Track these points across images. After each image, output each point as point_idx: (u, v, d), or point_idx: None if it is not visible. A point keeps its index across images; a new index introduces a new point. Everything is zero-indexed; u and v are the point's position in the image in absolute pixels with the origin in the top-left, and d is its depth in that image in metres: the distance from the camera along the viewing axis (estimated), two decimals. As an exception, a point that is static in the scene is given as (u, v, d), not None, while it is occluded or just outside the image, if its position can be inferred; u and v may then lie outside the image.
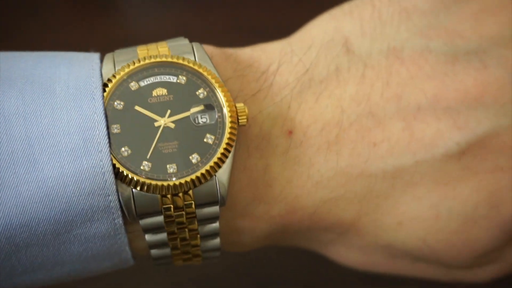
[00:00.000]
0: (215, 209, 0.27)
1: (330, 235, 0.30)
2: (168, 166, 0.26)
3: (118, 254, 0.27)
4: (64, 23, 0.62)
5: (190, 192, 0.26)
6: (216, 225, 0.27)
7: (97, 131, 0.25)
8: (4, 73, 0.26)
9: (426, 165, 0.28)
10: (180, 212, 0.26)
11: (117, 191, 0.25)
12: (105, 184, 0.25)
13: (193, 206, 0.26)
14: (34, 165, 0.24)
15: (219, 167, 0.26)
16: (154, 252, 0.28)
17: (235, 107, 0.27)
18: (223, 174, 0.26)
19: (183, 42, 0.28)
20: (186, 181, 0.25)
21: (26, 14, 0.63)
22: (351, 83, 0.28)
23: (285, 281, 0.43)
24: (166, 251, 0.28)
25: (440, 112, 0.28)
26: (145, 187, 0.25)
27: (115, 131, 0.26)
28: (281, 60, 0.29)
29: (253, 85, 0.29)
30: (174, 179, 0.25)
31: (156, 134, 0.26)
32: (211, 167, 0.26)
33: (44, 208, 0.25)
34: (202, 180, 0.26)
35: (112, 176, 0.25)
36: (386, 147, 0.28)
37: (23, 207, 0.24)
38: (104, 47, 0.30)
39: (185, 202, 0.26)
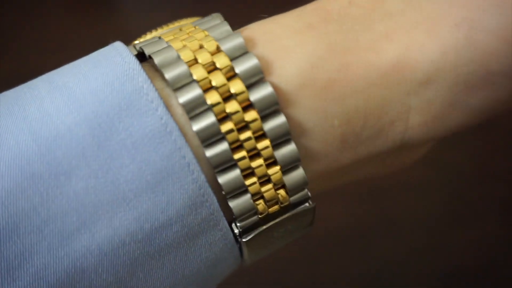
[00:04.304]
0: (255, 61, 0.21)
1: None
2: None
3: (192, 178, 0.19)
4: (64, 23, 0.62)
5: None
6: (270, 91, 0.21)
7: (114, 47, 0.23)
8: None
9: None
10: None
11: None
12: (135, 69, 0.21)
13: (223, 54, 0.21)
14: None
15: None
16: (222, 178, 0.20)
17: None
18: None
19: None
20: None
21: (26, 14, 0.63)
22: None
23: (283, 281, 0.43)
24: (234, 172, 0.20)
25: None
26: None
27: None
28: None
29: None
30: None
31: None
32: None
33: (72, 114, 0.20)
34: None
35: (139, 65, 0.21)
36: None
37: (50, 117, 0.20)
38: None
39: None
